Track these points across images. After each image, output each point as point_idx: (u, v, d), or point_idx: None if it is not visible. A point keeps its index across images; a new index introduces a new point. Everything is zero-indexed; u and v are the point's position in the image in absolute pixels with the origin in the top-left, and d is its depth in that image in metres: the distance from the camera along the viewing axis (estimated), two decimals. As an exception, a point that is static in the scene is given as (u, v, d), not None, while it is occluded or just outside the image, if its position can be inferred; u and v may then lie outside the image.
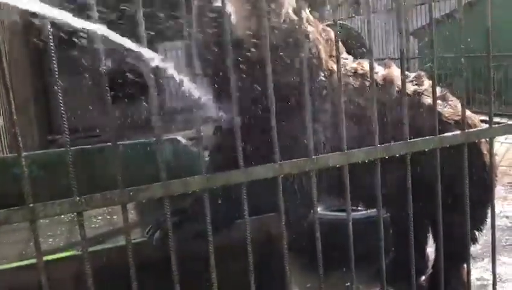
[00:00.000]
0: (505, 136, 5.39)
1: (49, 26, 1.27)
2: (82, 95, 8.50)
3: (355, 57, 2.75)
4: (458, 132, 1.93)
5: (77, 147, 3.28)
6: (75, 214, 1.38)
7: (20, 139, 1.28)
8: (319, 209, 1.87)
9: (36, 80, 8.36)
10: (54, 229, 2.81)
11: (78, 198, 1.35)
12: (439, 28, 7.55)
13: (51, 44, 1.29)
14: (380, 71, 2.64)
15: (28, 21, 7.58)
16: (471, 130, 2.10)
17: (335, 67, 2.46)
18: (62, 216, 2.74)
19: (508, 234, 4.25)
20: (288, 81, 2.16)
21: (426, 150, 1.82)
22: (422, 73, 2.78)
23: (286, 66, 2.16)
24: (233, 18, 2.00)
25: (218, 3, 2.03)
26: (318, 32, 2.52)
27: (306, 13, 2.46)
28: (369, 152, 1.72)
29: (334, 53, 2.50)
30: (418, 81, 2.70)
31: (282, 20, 2.29)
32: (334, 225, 2.74)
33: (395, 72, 2.64)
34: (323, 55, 2.45)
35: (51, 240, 2.69)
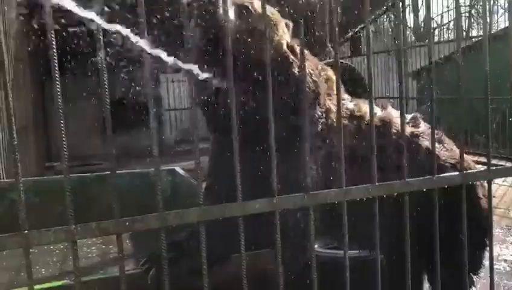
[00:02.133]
0: (503, 178, 5.38)
1: (54, 50, 1.29)
2: (82, 122, 8.55)
3: (356, 96, 2.78)
4: (456, 173, 1.94)
5: (75, 174, 3.27)
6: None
7: (19, 164, 1.28)
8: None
9: (36, 106, 8.41)
10: (45, 259, 2.77)
11: (73, 226, 1.34)
12: (439, 69, 7.66)
13: (55, 67, 1.31)
14: (377, 112, 2.66)
15: (33, 46, 7.70)
16: (469, 171, 2.10)
17: (332, 106, 2.50)
18: (52, 246, 2.73)
19: (507, 277, 4.19)
20: (280, 115, 2.18)
21: (424, 190, 1.82)
22: (419, 115, 2.81)
23: (276, 101, 2.18)
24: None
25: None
26: (317, 70, 2.56)
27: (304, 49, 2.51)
28: (367, 190, 1.72)
29: (332, 92, 2.53)
30: (415, 123, 2.72)
31: (273, 48, 2.32)
32: (330, 262, 2.71)
33: (393, 113, 2.66)
34: (320, 91, 2.47)
35: (43, 270, 2.65)
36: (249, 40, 2.20)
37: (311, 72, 2.46)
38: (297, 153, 2.11)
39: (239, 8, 2.26)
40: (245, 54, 2.17)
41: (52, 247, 2.86)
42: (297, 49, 2.38)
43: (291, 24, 2.48)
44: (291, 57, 2.36)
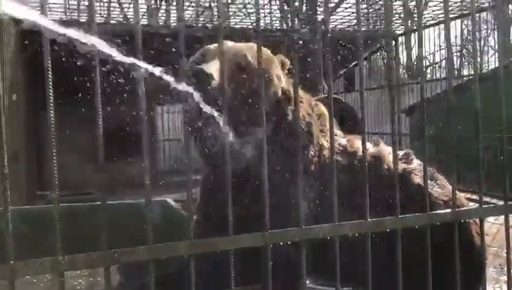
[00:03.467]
0: (495, 217, 5.36)
1: (49, 78, 1.30)
2: (75, 151, 8.52)
3: (349, 131, 2.80)
4: (449, 210, 1.93)
5: (65, 204, 3.23)
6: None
7: (8, 193, 1.26)
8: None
9: (29, 134, 8.39)
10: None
11: (60, 257, 1.32)
12: (431, 107, 7.74)
13: (50, 95, 1.31)
14: (369, 149, 2.67)
15: (28, 73, 7.75)
16: (462, 209, 2.10)
17: (325, 143, 2.51)
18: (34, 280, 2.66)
19: (500, 318, 4.13)
20: (276, 155, 2.20)
21: (416, 227, 1.81)
22: (411, 151, 2.82)
23: (271, 143, 2.21)
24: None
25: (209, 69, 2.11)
26: (310, 107, 2.59)
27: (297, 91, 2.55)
28: (360, 225, 1.71)
29: (324, 128, 2.56)
30: (407, 159, 2.73)
31: (270, 98, 2.36)
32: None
33: (385, 149, 2.67)
34: (314, 131, 2.50)
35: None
36: (245, 94, 2.24)
37: (305, 115, 2.49)
38: (291, 190, 2.11)
39: (235, 66, 2.28)
40: (240, 106, 2.21)
41: (35, 280, 2.80)
42: (291, 92, 2.42)
43: (287, 61, 2.50)
44: (285, 105, 2.40)
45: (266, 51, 2.45)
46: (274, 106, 2.36)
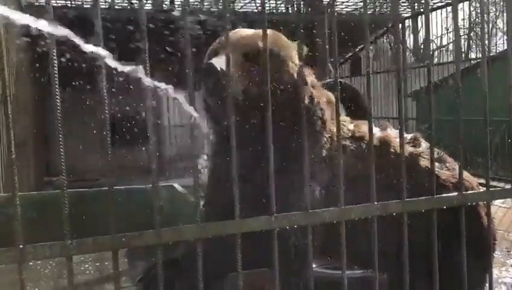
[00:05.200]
0: (502, 200, 5.35)
1: (55, 64, 1.30)
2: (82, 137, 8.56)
3: (355, 115, 2.78)
4: (455, 194, 1.93)
5: (73, 189, 3.25)
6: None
7: (16, 178, 1.27)
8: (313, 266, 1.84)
9: (36, 120, 8.42)
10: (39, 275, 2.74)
11: (69, 241, 1.33)
12: (438, 90, 7.70)
13: (56, 82, 1.31)
14: (376, 133, 2.66)
15: (34, 59, 7.75)
16: (469, 192, 2.09)
17: (334, 129, 2.51)
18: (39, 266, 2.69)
19: (506, 301, 4.14)
20: (290, 139, 2.19)
21: (423, 210, 1.81)
22: (419, 135, 2.80)
23: (288, 128, 2.19)
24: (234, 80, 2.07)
25: (219, 64, 2.10)
26: (321, 94, 2.58)
27: (311, 77, 2.53)
28: (366, 209, 1.71)
29: (333, 115, 2.55)
30: (415, 142, 2.71)
31: (286, 84, 2.33)
32: (329, 283, 2.68)
33: (392, 134, 2.66)
34: (327, 117, 2.50)
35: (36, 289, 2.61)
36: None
37: (319, 100, 2.48)
38: (300, 174, 2.12)
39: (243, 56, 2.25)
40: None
41: (39, 267, 2.83)
42: (308, 78, 2.42)
43: (305, 48, 2.46)
44: (301, 90, 2.38)
45: (282, 37, 2.43)
46: (291, 92, 2.34)
